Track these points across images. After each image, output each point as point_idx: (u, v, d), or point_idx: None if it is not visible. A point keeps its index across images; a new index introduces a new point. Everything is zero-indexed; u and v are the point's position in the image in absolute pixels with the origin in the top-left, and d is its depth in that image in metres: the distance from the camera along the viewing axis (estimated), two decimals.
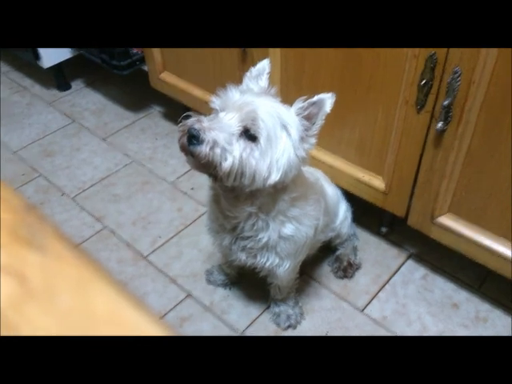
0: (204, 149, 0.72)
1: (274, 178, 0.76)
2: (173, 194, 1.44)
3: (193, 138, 0.72)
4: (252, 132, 0.74)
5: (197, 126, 0.72)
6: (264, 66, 0.83)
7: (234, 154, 0.73)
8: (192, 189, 1.45)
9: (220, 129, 0.73)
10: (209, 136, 0.72)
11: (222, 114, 0.75)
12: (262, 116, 0.73)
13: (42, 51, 1.68)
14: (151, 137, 1.65)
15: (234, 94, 0.76)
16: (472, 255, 1.03)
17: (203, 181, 1.37)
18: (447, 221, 1.03)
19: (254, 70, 0.83)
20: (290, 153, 0.76)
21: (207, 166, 0.74)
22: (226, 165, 0.73)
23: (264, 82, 0.82)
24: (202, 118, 0.75)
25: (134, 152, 1.58)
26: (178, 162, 1.53)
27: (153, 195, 1.44)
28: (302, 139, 0.78)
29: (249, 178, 0.75)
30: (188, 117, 0.77)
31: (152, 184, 1.48)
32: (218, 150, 0.72)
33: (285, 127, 0.76)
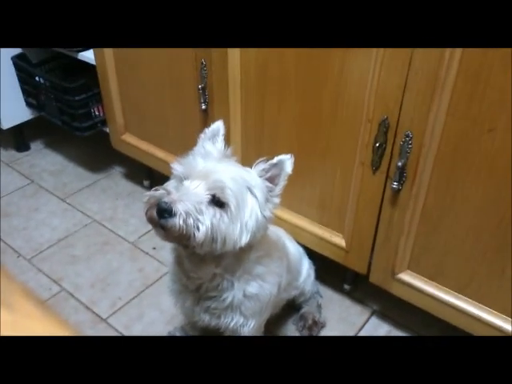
0: (177, 221, 0.71)
1: (244, 240, 0.77)
2: (134, 254, 1.42)
3: (164, 212, 0.71)
4: (221, 199, 0.74)
5: (167, 199, 0.71)
6: (218, 127, 0.85)
7: (205, 222, 0.73)
8: (154, 248, 1.43)
9: (189, 199, 0.72)
10: (180, 208, 0.71)
11: (187, 183, 0.75)
12: (228, 184, 0.74)
13: (2, 112, 1.67)
14: (112, 197, 1.63)
15: (197, 162, 0.77)
16: (434, 311, 1.05)
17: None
18: (407, 277, 1.05)
19: (208, 132, 0.85)
20: (257, 214, 0.78)
21: (180, 238, 0.73)
22: (200, 234, 0.72)
23: (220, 143, 0.84)
24: (169, 189, 0.74)
25: (94, 212, 1.56)
26: (140, 222, 1.51)
27: (113, 256, 1.41)
28: (267, 200, 0.79)
29: (220, 243, 0.75)
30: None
31: (112, 244, 1.45)
32: (190, 221, 0.72)
33: (250, 190, 0.77)
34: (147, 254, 1.42)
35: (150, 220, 0.74)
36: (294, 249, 1.12)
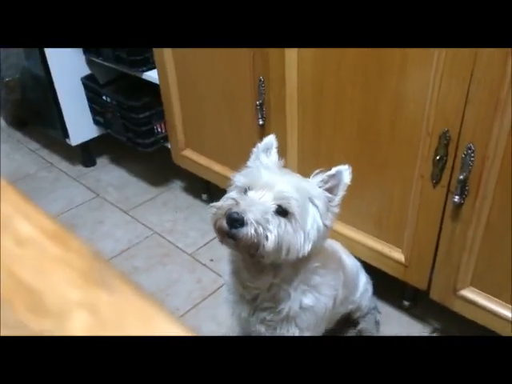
0: (249, 230, 0.72)
1: (307, 248, 0.79)
2: (192, 265, 1.46)
3: (235, 222, 0.72)
4: (286, 209, 0.76)
5: (237, 209, 0.73)
6: (271, 140, 0.87)
7: (273, 232, 0.74)
8: (211, 260, 1.46)
9: (257, 209, 0.74)
10: (251, 217, 0.73)
11: (251, 193, 0.77)
12: (293, 194, 0.76)
13: (71, 130, 1.78)
14: (172, 210, 1.69)
15: (261, 173, 0.79)
16: (498, 329, 1.01)
17: (222, 252, 1.38)
18: (470, 294, 1.02)
19: (261, 146, 0.87)
20: (318, 223, 0.79)
21: (250, 247, 0.75)
22: (269, 243, 0.74)
23: (274, 156, 0.86)
24: (237, 199, 0.76)
25: (155, 224, 1.62)
26: (198, 234, 1.56)
27: (172, 267, 1.45)
28: (327, 209, 0.81)
29: (285, 252, 0.77)
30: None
31: (171, 256, 1.49)
32: (260, 230, 0.73)
33: (311, 200, 0.79)
34: (205, 265, 1.45)
35: (219, 230, 0.76)
36: (350, 262, 1.11)
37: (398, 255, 1.11)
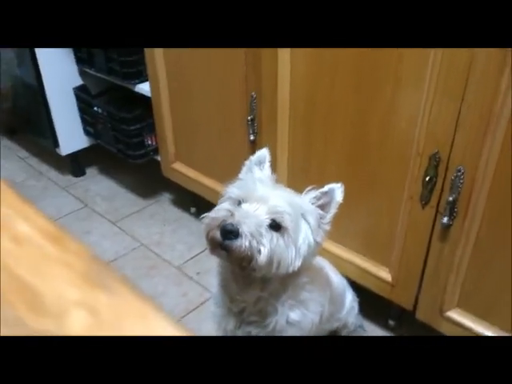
0: (243, 242, 0.72)
1: (298, 264, 0.79)
2: (178, 278, 1.45)
3: (229, 233, 0.72)
4: (279, 223, 0.76)
5: (232, 220, 0.73)
6: (264, 154, 0.87)
7: (267, 245, 0.74)
8: (198, 273, 1.46)
9: (251, 221, 0.74)
10: (245, 230, 0.72)
11: (245, 206, 0.77)
12: (286, 209, 0.76)
13: (61, 139, 1.77)
14: (160, 222, 1.68)
15: (256, 186, 0.79)
16: None
17: (209, 266, 1.38)
18: (456, 315, 1.02)
19: (254, 158, 0.87)
20: (309, 239, 0.79)
21: (242, 260, 0.74)
22: (262, 257, 0.73)
23: (267, 170, 0.86)
24: (232, 210, 0.76)
25: (143, 236, 1.61)
26: (185, 247, 1.55)
27: (158, 279, 1.44)
28: (319, 226, 0.81)
29: (276, 267, 0.77)
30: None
31: (158, 268, 1.48)
32: (254, 243, 0.73)
33: (304, 216, 0.79)
34: (191, 278, 1.44)
35: (212, 241, 0.75)
36: (337, 280, 1.11)
37: (385, 274, 1.11)
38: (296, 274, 0.84)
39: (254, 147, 1.24)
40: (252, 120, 1.20)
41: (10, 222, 0.28)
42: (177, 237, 1.61)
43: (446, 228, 0.94)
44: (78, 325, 0.22)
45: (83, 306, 0.23)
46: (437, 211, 0.95)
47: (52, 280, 0.24)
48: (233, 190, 0.81)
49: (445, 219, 0.92)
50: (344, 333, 1.19)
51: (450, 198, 0.90)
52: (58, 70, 1.68)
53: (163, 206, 1.77)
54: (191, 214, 1.70)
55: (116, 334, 0.22)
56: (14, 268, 0.24)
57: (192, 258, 1.51)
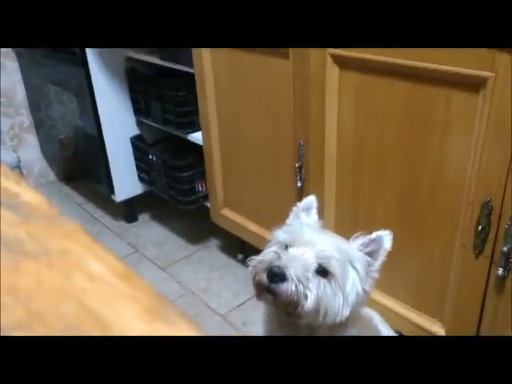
0: (290, 287, 0.71)
1: (345, 313, 0.76)
2: (223, 327, 1.43)
3: (276, 276, 0.71)
4: (326, 269, 0.75)
5: (279, 263, 0.72)
6: (311, 200, 0.88)
7: (313, 291, 0.72)
8: (244, 323, 1.44)
9: (298, 265, 0.73)
10: (292, 273, 0.71)
11: (292, 250, 0.76)
12: (334, 254, 0.75)
13: (117, 186, 1.86)
14: (207, 268, 1.69)
15: (303, 230, 0.79)
16: None
17: (255, 315, 1.36)
18: None
19: (301, 205, 0.88)
20: (357, 287, 0.77)
21: (288, 305, 0.73)
22: (309, 303, 0.72)
23: (314, 215, 0.86)
24: (279, 253, 0.75)
25: (190, 282, 1.62)
26: (231, 294, 1.54)
27: (204, 327, 1.43)
28: (367, 274, 0.79)
29: (323, 315, 0.75)
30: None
31: (203, 316, 1.48)
32: (301, 287, 0.71)
33: (351, 263, 0.78)
34: (237, 328, 1.42)
35: (258, 285, 0.74)
36: (387, 333, 1.06)
37: (439, 329, 1.06)
38: (344, 324, 0.81)
39: (301, 194, 1.24)
40: (300, 167, 1.21)
41: (83, 260, 0.30)
42: (224, 283, 1.61)
43: (502, 280, 0.89)
44: None
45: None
46: (491, 262, 0.90)
47: (120, 313, 0.26)
48: (280, 234, 0.81)
49: (500, 270, 0.87)
50: None
51: (505, 249, 0.85)
52: (117, 121, 1.79)
53: (211, 252, 1.79)
54: (238, 260, 1.70)
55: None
56: (87, 301, 0.26)
57: (238, 307, 1.50)
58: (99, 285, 0.28)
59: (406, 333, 1.11)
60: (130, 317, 0.26)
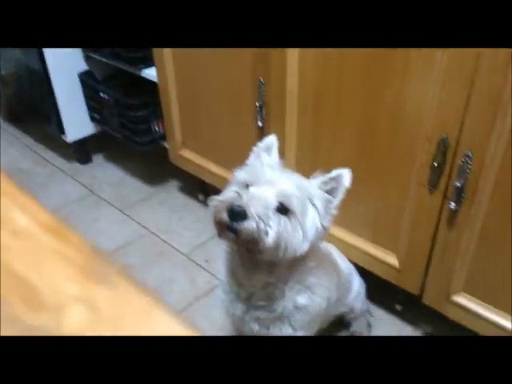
0: (251, 224, 0.72)
1: (305, 248, 0.79)
2: (186, 265, 1.46)
3: (237, 215, 0.72)
4: (287, 207, 0.76)
5: (239, 202, 0.73)
6: (272, 140, 0.88)
7: (274, 228, 0.74)
8: (206, 261, 1.47)
9: (259, 203, 0.74)
10: (253, 211, 0.72)
11: (253, 189, 0.77)
12: (294, 192, 0.77)
13: (67, 126, 1.78)
14: (167, 209, 1.69)
15: (264, 170, 0.80)
16: (490, 335, 1.02)
17: (217, 253, 1.38)
18: (462, 300, 1.03)
19: (262, 145, 0.88)
20: (316, 224, 0.80)
21: (250, 242, 0.75)
22: (269, 239, 0.74)
23: (274, 155, 0.87)
24: (240, 193, 0.76)
25: (150, 223, 1.62)
26: (193, 234, 1.56)
27: (166, 266, 1.45)
28: (326, 211, 0.81)
29: (283, 250, 0.77)
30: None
31: (166, 255, 1.49)
32: (261, 225, 0.73)
33: (311, 200, 0.80)
34: (199, 265, 1.45)
35: (220, 223, 0.76)
36: (344, 265, 1.12)
37: (392, 260, 1.12)
38: (303, 259, 0.85)
39: (262, 134, 1.24)
40: (260, 106, 1.20)
41: (7, 212, 0.27)
42: (184, 224, 1.62)
43: (453, 213, 0.94)
44: (76, 321, 0.22)
45: (82, 301, 0.22)
46: (444, 197, 0.95)
47: (50, 274, 0.23)
48: (241, 173, 0.82)
49: (452, 204, 0.92)
50: (350, 317, 1.20)
51: (458, 184, 0.90)
52: (63, 56, 1.68)
53: (170, 193, 1.78)
54: (199, 201, 1.70)
55: (116, 331, 0.22)
56: (11, 261, 0.24)
57: (200, 246, 1.52)
58: (25, 242, 0.25)
59: (361, 263, 1.17)
60: (61, 279, 0.23)
